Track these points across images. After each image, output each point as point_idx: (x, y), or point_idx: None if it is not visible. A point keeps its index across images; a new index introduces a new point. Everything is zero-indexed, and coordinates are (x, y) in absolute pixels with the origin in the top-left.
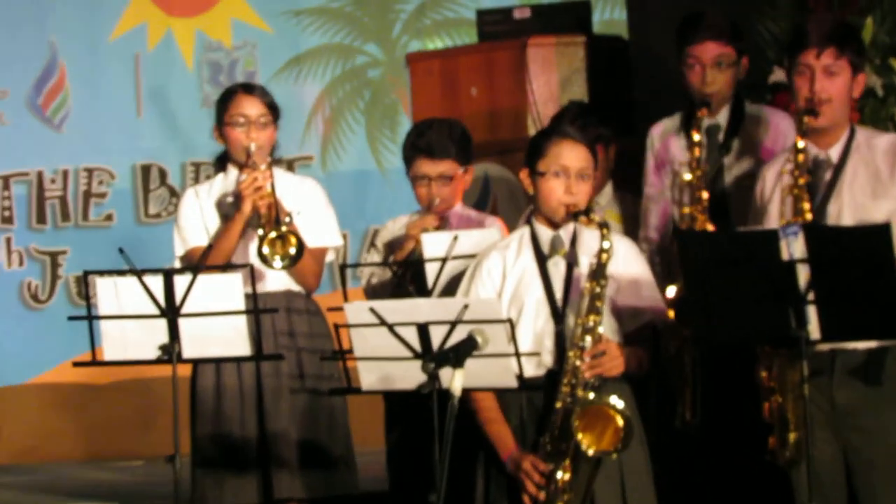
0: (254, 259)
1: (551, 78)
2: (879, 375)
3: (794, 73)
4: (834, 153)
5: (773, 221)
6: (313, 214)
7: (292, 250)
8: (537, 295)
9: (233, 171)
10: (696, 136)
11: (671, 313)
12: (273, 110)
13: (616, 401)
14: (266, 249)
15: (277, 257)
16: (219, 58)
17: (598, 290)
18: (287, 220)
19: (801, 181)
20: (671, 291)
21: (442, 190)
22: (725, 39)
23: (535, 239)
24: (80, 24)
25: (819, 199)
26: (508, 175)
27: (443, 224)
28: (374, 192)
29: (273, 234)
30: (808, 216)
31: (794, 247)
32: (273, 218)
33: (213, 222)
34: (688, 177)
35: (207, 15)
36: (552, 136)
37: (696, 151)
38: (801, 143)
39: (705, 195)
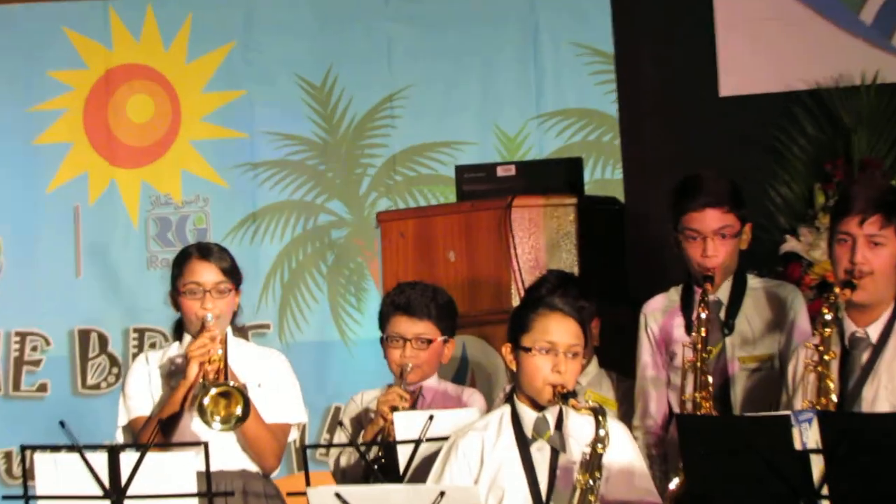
0: (205, 435)
1: (538, 242)
2: None
3: (835, 242)
4: (873, 331)
5: (800, 405)
6: (276, 388)
7: (238, 410)
8: (519, 483)
9: (189, 341)
10: (703, 315)
11: None
12: (232, 276)
13: None
14: (207, 401)
15: (218, 417)
16: (167, 213)
17: (591, 483)
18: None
19: (827, 358)
20: (674, 484)
21: (417, 355)
22: (727, 207)
23: (516, 420)
24: (15, 172)
25: (854, 381)
26: (489, 350)
27: (415, 399)
28: (336, 365)
29: (217, 390)
30: (833, 398)
31: (808, 435)
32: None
33: (161, 392)
34: (691, 359)
35: (155, 166)
36: (539, 308)
37: (703, 331)
38: (828, 316)
39: (710, 379)
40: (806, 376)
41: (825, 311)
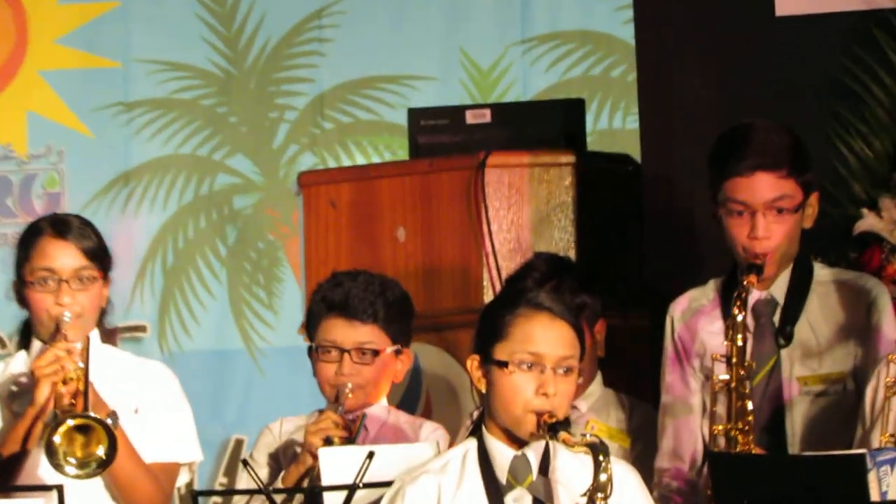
0: (59, 478)
1: (521, 216)
2: None
3: None
4: None
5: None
6: (159, 414)
7: (100, 451)
8: None
9: (39, 350)
10: (739, 316)
11: None
12: (98, 260)
13: None
14: (58, 438)
15: (74, 460)
16: (6, 171)
17: None
18: (109, 421)
19: None
20: None
21: (359, 371)
22: (785, 170)
23: (485, 459)
24: None
25: None
26: (450, 363)
27: (356, 432)
28: (238, 384)
29: (73, 422)
30: None
31: (888, 481)
32: (81, 410)
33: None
34: (724, 377)
35: None
36: (519, 307)
37: (739, 339)
38: None
39: (749, 405)
40: (888, 402)
41: None
